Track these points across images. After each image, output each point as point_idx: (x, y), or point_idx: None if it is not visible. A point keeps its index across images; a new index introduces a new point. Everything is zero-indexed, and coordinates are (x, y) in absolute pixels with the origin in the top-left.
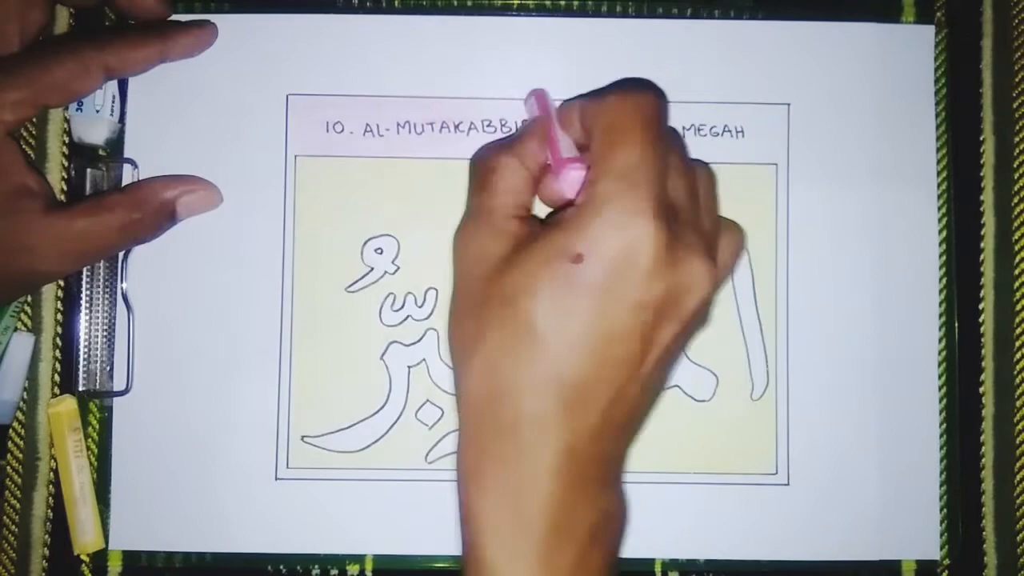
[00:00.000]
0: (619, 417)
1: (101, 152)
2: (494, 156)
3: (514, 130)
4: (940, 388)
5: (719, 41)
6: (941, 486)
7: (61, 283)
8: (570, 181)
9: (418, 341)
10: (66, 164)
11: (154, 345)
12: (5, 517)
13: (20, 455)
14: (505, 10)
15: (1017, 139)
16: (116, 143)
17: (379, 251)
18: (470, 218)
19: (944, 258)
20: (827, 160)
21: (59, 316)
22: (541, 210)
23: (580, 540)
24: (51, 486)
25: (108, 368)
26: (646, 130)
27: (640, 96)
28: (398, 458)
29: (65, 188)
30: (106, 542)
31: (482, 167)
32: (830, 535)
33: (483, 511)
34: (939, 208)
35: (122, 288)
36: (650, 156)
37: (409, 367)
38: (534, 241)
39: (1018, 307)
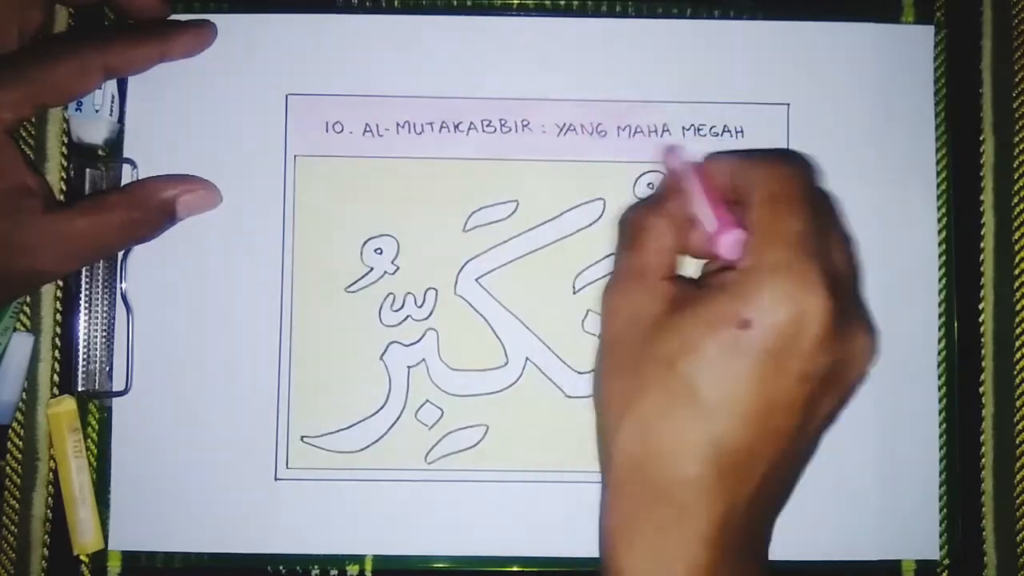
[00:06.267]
0: (772, 487)
1: (100, 152)
2: (644, 216)
3: (514, 130)
4: (940, 389)
5: (719, 41)
6: (941, 486)
7: (61, 283)
8: (730, 244)
9: (418, 341)
10: (65, 164)
11: (154, 345)
12: (5, 517)
13: (19, 455)
14: (505, 10)
15: (1017, 139)
16: (115, 143)
17: (379, 251)
18: (620, 277)
19: (944, 258)
20: (827, 160)
21: (59, 316)
22: None
23: None
24: (50, 486)
25: (107, 368)
26: (810, 200)
27: (800, 165)
28: (398, 458)
29: (64, 188)
30: (105, 542)
31: (632, 226)
32: (830, 535)
33: (632, 573)
34: (939, 208)
35: (121, 288)
36: (816, 226)
37: (409, 367)
38: (695, 303)
39: (1018, 307)
